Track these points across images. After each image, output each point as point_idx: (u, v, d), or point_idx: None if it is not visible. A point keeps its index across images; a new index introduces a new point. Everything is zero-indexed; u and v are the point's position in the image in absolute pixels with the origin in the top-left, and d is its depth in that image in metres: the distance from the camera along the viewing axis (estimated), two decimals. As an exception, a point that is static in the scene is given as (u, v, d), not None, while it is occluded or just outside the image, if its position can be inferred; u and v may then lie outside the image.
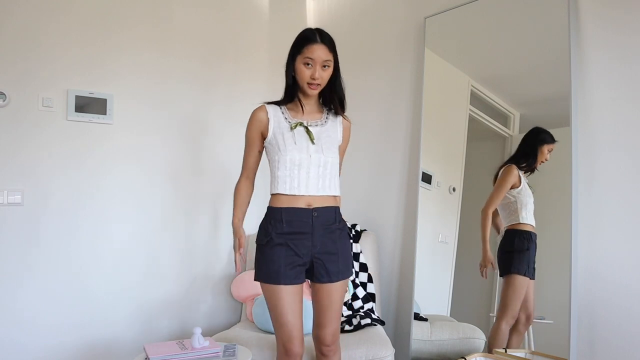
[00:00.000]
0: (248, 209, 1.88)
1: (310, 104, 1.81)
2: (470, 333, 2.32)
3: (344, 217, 1.85)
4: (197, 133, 2.77)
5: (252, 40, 2.99)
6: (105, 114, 2.43)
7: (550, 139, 2.08)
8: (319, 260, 1.73)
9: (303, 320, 1.77)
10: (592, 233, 1.94)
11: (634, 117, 1.86)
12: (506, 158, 2.25)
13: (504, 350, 2.09)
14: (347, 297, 2.48)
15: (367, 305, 2.49)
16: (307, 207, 1.72)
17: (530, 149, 2.15)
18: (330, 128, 1.80)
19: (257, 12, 3.03)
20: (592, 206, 1.94)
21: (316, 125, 1.77)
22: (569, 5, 2.00)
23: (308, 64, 1.70)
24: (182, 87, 2.70)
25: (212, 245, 2.81)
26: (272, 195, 1.77)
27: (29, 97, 2.25)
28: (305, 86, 1.72)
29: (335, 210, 1.79)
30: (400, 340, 2.59)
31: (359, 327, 2.30)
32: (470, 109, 2.40)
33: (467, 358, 2.08)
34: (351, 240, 2.62)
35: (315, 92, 1.74)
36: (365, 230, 2.74)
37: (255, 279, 1.76)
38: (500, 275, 2.20)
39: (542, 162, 2.12)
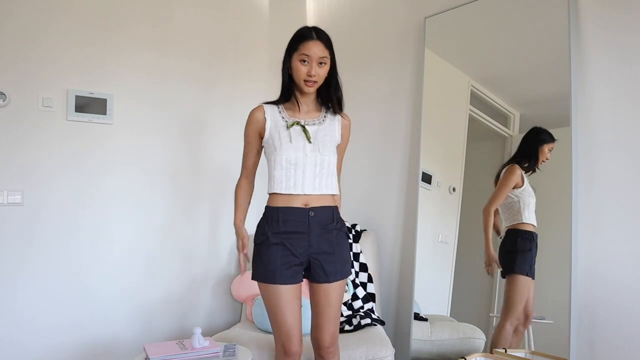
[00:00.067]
0: (248, 209, 1.89)
1: (307, 102, 1.80)
2: (470, 333, 2.32)
3: (344, 217, 1.85)
4: (197, 133, 2.77)
5: (252, 40, 2.99)
6: (105, 114, 2.43)
7: (550, 138, 2.08)
8: (316, 260, 1.72)
9: (302, 320, 1.77)
10: (592, 233, 1.94)
11: (634, 117, 1.86)
12: (506, 158, 2.25)
13: (504, 350, 2.09)
14: (347, 297, 2.48)
15: (367, 305, 2.49)
16: (303, 206, 1.71)
17: (531, 149, 2.15)
18: (328, 127, 1.79)
19: (257, 12, 3.03)
20: (592, 206, 1.94)
21: (313, 124, 1.76)
22: (569, 5, 2.00)
23: (304, 61, 1.69)
24: (182, 87, 2.70)
25: (212, 245, 2.81)
26: (270, 194, 1.77)
27: (29, 97, 2.26)
28: (302, 83, 1.71)
29: (333, 209, 1.77)
30: (400, 340, 2.59)
31: (359, 327, 2.30)
32: (470, 109, 2.40)
33: (467, 358, 2.08)
34: (351, 240, 2.62)
35: (312, 89, 1.73)
36: (365, 230, 2.74)
37: (252, 279, 1.76)
38: (503, 276, 2.20)
39: (543, 161, 2.12)
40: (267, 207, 1.77)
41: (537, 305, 2.10)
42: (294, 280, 1.71)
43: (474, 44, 2.43)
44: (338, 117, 1.83)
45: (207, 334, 2.55)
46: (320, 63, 1.70)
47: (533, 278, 2.10)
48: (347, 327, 2.30)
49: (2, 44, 2.20)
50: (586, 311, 1.92)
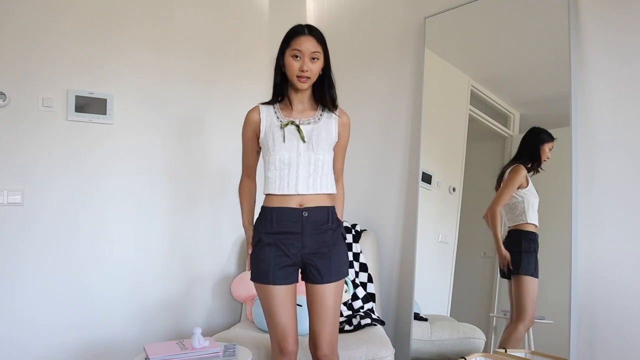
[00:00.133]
0: (254, 208, 1.88)
1: (303, 101, 1.78)
2: (470, 333, 2.32)
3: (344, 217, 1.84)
4: (197, 133, 2.77)
5: (252, 40, 2.99)
6: (105, 114, 2.43)
7: (550, 137, 2.09)
8: (311, 261, 1.71)
9: (298, 321, 1.76)
10: (592, 233, 1.94)
11: (634, 117, 1.86)
12: (506, 158, 2.25)
13: (504, 350, 2.09)
14: (347, 297, 2.47)
15: (367, 305, 2.49)
16: (298, 206, 1.70)
17: (533, 150, 2.15)
18: (324, 125, 1.75)
19: (257, 12, 3.03)
20: (592, 206, 1.94)
21: (308, 123, 1.74)
22: (569, 5, 2.00)
23: (296, 57, 1.68)
24: (182, 87, 2.70)
25: (212, 245, 2.81)
26: (265, 195, 1.77)
27: (29, 97, 2.26)
28: (295, 79, 1.70)
29: (328, 209, 1.74)
30: (400, 340, 2.59)
31: (359, 327, 2.30)
32: (470, 109, 2.40)
33: (467, 358, 2.08)
34: (351, 240, 2.62)
35: (305, 85, 1.71)
36: (365, 230, 2.74)
37: (250, 279, 1.76)
38: (502, 276, 2.20)
39: (544, 160, 2.12)
40: (262, 208, 1.77)
41: (537, 305, 2.10)
42: (287, 280, 1.70)
43: (474, 44, 2.43)
44: (335, 115, 1.79)
45: (207, 334, 2.55)
46: (313, 58, 1.69)
47: (537, 278, 2.10)
48: (347, 327, 2.30)
49: (2, 44, 2.20)
50: (586, 311, 1.92)
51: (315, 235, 1.71)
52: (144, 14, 2.57)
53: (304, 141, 1.70)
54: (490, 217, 2.24)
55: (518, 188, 2.17)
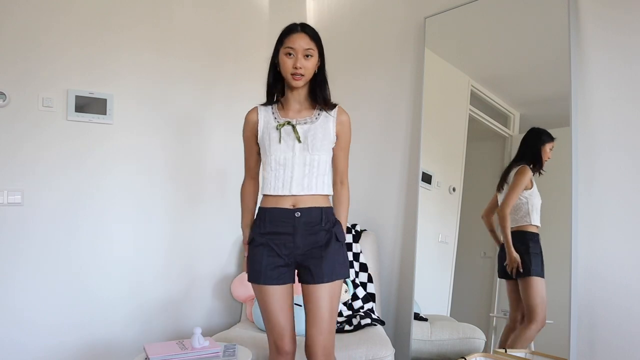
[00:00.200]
0: (255, 210, 1.87)
1: (300, 101, 1.77)
2: (470, 333, 2.32)
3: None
4: (197, 133, 2.77)
5: (252, 40, 2.99)
6: (105, 114, 2.43)
7: (550, 137, 2.08)
8: (303, 262, 1.70)
9: (297, 321, 1.77)
10: (592, 233, 1.94)
11: (634, 117, 1.86)
12: (506, 158, 2.25)
13: (504, 350, 2.09)
14: (347, 297, 2.47)
15: (367, 305, 2.49)
16: (291, 207, 1.70)
17: (534, 150, 2.14)
18: (320, 125, 1.73)
19: (257, 12, 3.03)
20: (592, 206, 1.94)
21: (305, 123, 1.72)
22: (569, 5, 2.00)
23: (290, 54, 1.68)
24: (182, 87, 2.70)
25: (212, 245, 2.81)
26: (263, 195, 1.77)
27: (29, 97, 2.26)
28: (289, 77, 1.69)
29: (322, 210, 1.71)
30: (400, 340, 2.59)
31: (359, 327, 2.30)
32: (470, 109, 2.40)
33: (467, 358, 2.08)
34: (351, 240, 2.62)
35: (300, 83, 1.70)
36: (365, 230, 2.74)
37: (247, 279, 1.77)
38: (506, 277, 2.19)
39: (545, 161, 2.12)
40: (259, 208, 1.78)
41: (537, 305, 2.10)
42: (281, 281, 1.70)
43: (474, 44, 2.43)
44: (332, 114, 1.76)
45: (207, 334, 2.55)
46: (307, 55, 1.68)
47: (544, 279, 2.10)
48: (347, 327, 2.30)
49: (2, 44, 2.20)
50: (586, 311, 1.92)
51: (308, 236, 1.70)
52: (144, 14, 2.57)
53: (299, 141, 1.70)
54: (500, 220, 2.22)
55: (524, 189, 2.17)
